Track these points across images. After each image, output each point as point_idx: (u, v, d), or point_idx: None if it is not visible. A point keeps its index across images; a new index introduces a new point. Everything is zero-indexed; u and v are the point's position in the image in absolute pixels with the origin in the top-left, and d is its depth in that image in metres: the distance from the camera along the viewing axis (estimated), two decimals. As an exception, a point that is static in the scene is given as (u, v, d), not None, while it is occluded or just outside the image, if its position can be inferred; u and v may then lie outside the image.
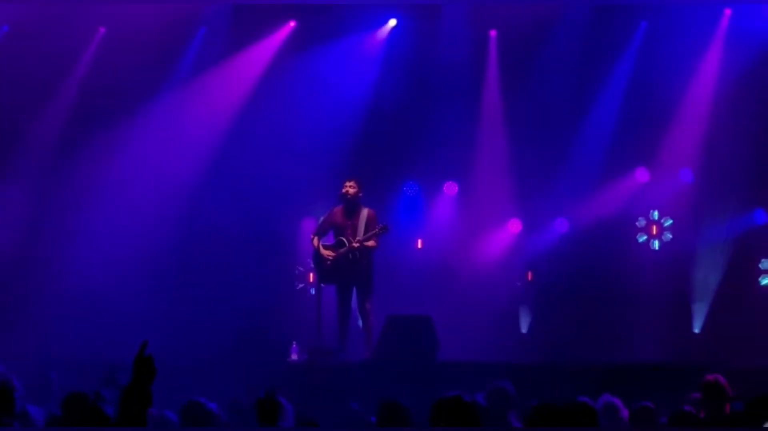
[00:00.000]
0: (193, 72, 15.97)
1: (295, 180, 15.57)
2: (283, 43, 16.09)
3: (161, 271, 15.14)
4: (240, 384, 10.08)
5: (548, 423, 6.36)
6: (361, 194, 13.22)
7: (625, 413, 7.95)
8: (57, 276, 15.09)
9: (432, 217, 16.27)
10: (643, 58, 15.80)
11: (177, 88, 15.80)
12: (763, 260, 15.63)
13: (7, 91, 15.17)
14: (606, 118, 15.90)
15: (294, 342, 13.28)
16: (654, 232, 16.04)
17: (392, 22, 16.10)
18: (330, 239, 13.39)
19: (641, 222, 16.06)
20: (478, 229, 16.08)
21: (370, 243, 13.08)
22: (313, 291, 15.50)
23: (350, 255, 13.10)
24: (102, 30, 15.81)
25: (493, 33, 16.19)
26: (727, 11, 15.56)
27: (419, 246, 16.22)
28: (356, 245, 13.04)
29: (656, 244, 16.01)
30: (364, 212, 13.17)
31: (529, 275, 16.08)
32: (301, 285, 16.11)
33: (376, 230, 13.05)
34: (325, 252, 13.21)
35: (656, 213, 16.04)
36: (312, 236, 13.45)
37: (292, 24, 16.12)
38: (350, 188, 13.16)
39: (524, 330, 15.96)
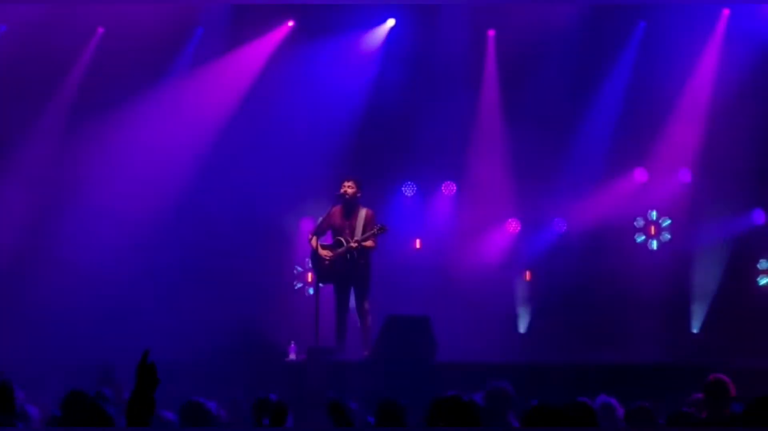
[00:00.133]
0: (191, 71, 15.96)
1: (294, 180, 15.57)
2: (281, 43, 16.09)
3: (159, 271, 15.13)
4: (239, 383, 10.07)
5: (546, 423, 6.36)
6: (359, 194, 13.23)
7: (621, 412, 7.96)
8: (55, 277, 15.06)
9: (430, 217, 16.27)
10: (641, 58, 15.81)
11: (174, 88, 15.79)
12: (761, 260, 15.63)
13: (5, 90, 15.16)
14: (604, 118, 15.90)
15: (292, 342, 13.28)
16: (652, 232, 16.04)
17: (390, 22, 16.09)
18: (328, 239, 13.39)
19: (639, 223, 16.06)
20: (476, 229, 16.07)
21: (369, 243, 13.09)
22: (311, 291, 15.50)
23: (348, 256, 13.10)
24: (100, 30, 15.80)
25: (491, 33, 16.19)
26: (726, 11, 15.56)
27: (417, 246, 16.21)
28: (354, 245, 13.05)
29: (654, 244, 16.01)
30: (363, 212, 13.18)
31: (528, 275, 16.08)
32: (299, 285, 16.11)
33: (375, 230, 13.05)
34: (324, 253, 13.22)
35: (654, 213, 16.04)
36: (310, 236, 13.46)
37: (291, 23, 16.12)
38: (348, 188, 13.16)
39: (522, 330, 15.96)
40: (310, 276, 15.71)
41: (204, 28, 16.06)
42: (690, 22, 15.40)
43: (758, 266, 15.65)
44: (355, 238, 13.06)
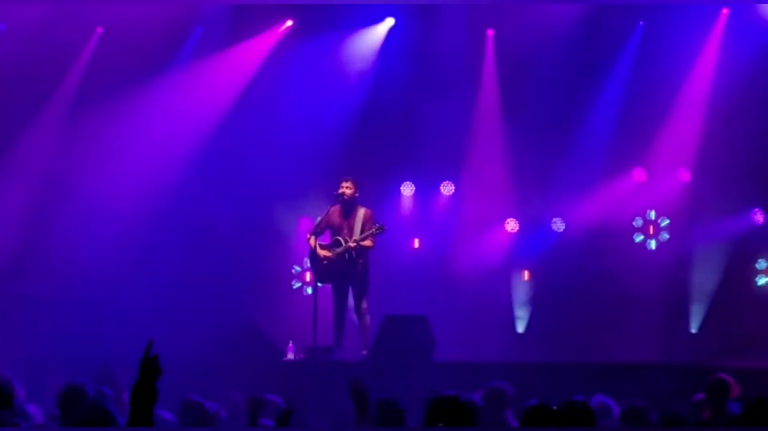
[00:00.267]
0: (189, 70, 15.93)
1: (292, 179, 15.57)
2: (280, 42, 16.08)
3: (157, 270, 15.11)
4: (236, 383, 10.06)
5: (545, 423, 6.36)
6: (357, 194, 13.23)
7: (617, 411, 7.96)
8: (53, 276, 15.07)
9: (428, 217, 16.26)
10: (640, 58, 15.80)
11: (172, 87, 15.75)
12: (760, 260, 15.63)
13: (2, 89, 15.15)
14: (603, 118, 15.89)
15: (290, 342, 13.27)
16: (651, 232, 16.03)
17: (390, 21, 16.08)
18: (327, 239, 13.39)
19: (638, 222, 16.06)
20: (474, 229, 16.06)
21: (367, 243, 13.09)
22: (309, 291, 15.49)
23: (347, 255, 13.10)
24: (99, 30, 15.78)
25: (490, 32, 16.18)
26: (725, 11, 15.56)
27: (416, 246, 16.21)
28: (353, 245, 13.05)
29: (653, 244, 16.01)
30: (361, 212, 13.18)
31: (526, 275, 16.08)
32: (297, 285, 16.10)
33: (373, 230, 13.05)
34: (322, 252, 13.21)
35: (653, 213, 16.04)
36: (309, 236, 13.45)
37: (289, 22, 16.11)
38: (347, 188, 13.16)
39: (521, 330, 15.95)
40: (308, 276, 15.70)
41: (203, 27, 16.04)
42: (689, 22, 15.40)
43: (757, 266, 15.65)
44: (354, 238, 13.06)
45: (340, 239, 13.14)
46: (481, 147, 16.09)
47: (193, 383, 10.24)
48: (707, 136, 15.52)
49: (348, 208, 13.20)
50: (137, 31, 15.16)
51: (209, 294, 15.36)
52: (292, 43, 16.04)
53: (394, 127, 15.96)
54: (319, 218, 13.38)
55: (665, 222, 15.99)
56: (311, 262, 13.61)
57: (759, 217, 15.62)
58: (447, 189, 16.22)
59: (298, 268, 16.06)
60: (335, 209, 13.26)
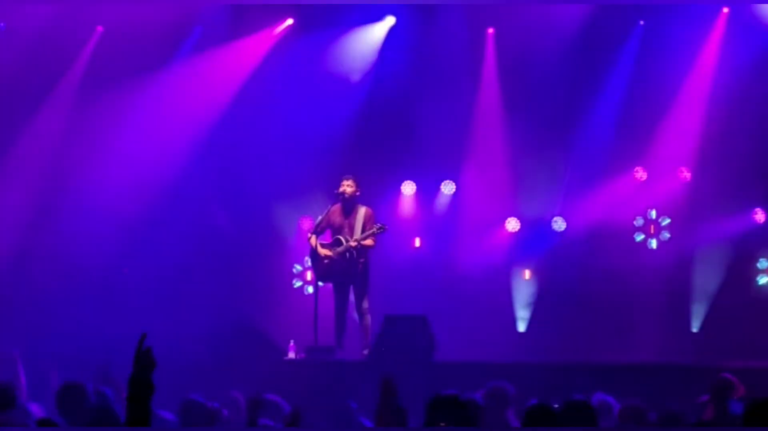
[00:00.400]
0: (189, 69, 15.91)
1: (293, 178, 15.57)
2: (280, 40, 16.07)
3: (158, 269, 15.11)
4: (237, 382, 10.05)
5: (546, 422, 6.35)
6: (358, 193, 13.21)
7: (617, 408, 7.96)
8: (54, 275, 15.07)
9: (429, 216, 16.25)
10: (640, 57, 15.79)
11: (172, 86, 15.73)
12: (761, 259, 15.62)
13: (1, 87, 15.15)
14: (603, 117, 15.88)
15: (291, 341, 13.27)
16: (652, 231, 16.02)
17: (390, 20, 16.07)
18: (327, 238, 13.38)
19: (639, 222, 16.05)
20: (475, 228, 16.06)
21: (368, 242, 13.08)
22: (310, 290, 15.49)
23: (348, 254, 13.08)
24: (100, 29, 15.77)
25: (490, 31, 16.18)
26: (725, 10, 15.55)
27: (417, 245, 16.20)
28: (354, 244, 13.04)
29: (654, 243, 16.00)
30: (362, 211, 13.17)
31: (527, 274, 16.07)
32: (298, 284, 16.09)
33: (374, 229, 13.03)
34: (323, 251, 13.20)
35: (654, 212, 16.03)
36: (309, 235, 13.44)
37: (290, 21, 16.09)
38: (348, 187, 13.14)
39: (522, 329, 15.94)
40: (309, 275, 15.70)
41: (203, 26, 16.03)
42: (689, 22, 15.40)
43: (758, 265, 15.65)
44: (355, 237, 13.05)
45: (341, 238, 13.13)
46: (481, 146, 16.09)
47: (193, 382, 10.24)
48: (708, 135, 15.51)
49: (349, 206, 13.19)
50: (137, 30, 15.14)
51: (210, 293, 15.36)
52: (293, 42, 16.03)
53: (395, 125, 15.95)
54: (319, 217, 13.37)
55: (666, 221, 15.98)
56: (312, 261, 13.60)
57: (760, 217, 15.61)
58: (448, 188, 16.20)
59: (299, 267, 16.05)
60: (336, 208, 13.25)
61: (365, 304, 13.12)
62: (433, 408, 6.45)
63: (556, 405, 6.87)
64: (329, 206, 13.30)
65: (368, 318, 13.11)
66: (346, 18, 15.88)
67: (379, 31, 16.10)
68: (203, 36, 15.99)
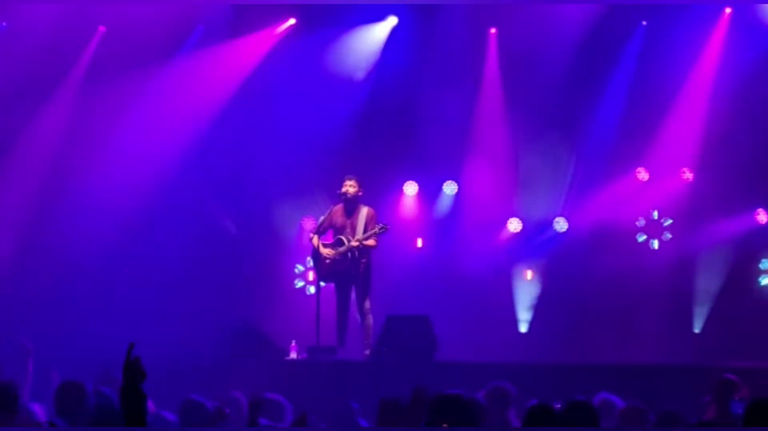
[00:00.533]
0: (191, 68, 15.90)
1: (295, 178, 15.57)
2: (282, 40, 16.07)
3: (160, 270, 15.11)
4: (238, 382, 10.04)
5: (547, 422, 6.35)
6: (360, 193, 13.21)
7: (621, 405, 7.95)
8: (55, 275, 15.07)
9: (432, 216, 16.25)
10: (643, 58, 15.78)
11: (173, 85, 15.72)
12: (763, 260, 15.61)
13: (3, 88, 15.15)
14: (606, 118, 15.88)
15: (293, 341, 13.26)
16: (654, 232, 16.01)
17: (392, 20, 16.07)
18: (329, 238, 13.37)
19: (641, 222, 16.04)
20: (477, 229, 16.05)
21: (370, 242, 13.07)
22: (312, 290, 15.49)
23: (349, 255, 13.08)
24: (102, 29, 15.77)
25: (492, 31, 16.17)
26: (727, 10, 15.54)
27: (419, 245, 16.20)
28: (356, 244, 13.03)
29: (656, 244, 15.99)
30: (364, 211, 13.16)
31: (529, 275, 16.06)
32: (300, 284, 16.09)
33: (376, 229, 13.03)
34: (325, 251, 13.19)
35: (656, 213, 16.02)
36: (311, 235, 13.43)
37: (292, 21, 16.09)
38: (350, 187, 13.14)
39: (523, 329, 15.94)
40: (311, 275, 15.70)
41: (205, 26, 16.02)
42: (692, 22, 15.38)
43: (760, 266, 15.64)
44: (357, 237, 13.04)
45: (343, 238, 13.13)
46: (483, 146, 16.08)
47: (194, 382, 10.24)
48: (710, 136, 15.50)
49: (351, 207, 13.18)
50: (139, 30, 15.14)
51: (211, 293, 15.36)
52: (295, 41, 16.02)
53: (398, 125, 15.95)
54: (322, 217, 13.37)
55: (668, 222, 15.97)
56: (314, 261, 13.59)
57: (762, 217, 15.60)
58: (450, 188, 16.20)
59: (300, 267, 16.05)
60: (338, 208, 13.25)
61: (367, 304, 13.12)
62: (435, 408, 6.45)
63: (558, 406, 6.87)
64: (331, 206, 13.30)
65: (370, 319, 13.10)
66: (348, 18, 15.88)
67: (381, 30, 16.09)
68: (205, 36, 15.99)
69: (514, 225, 16.10)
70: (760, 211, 15.59)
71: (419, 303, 14.03)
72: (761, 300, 15.43)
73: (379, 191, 15.10)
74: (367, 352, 12.87)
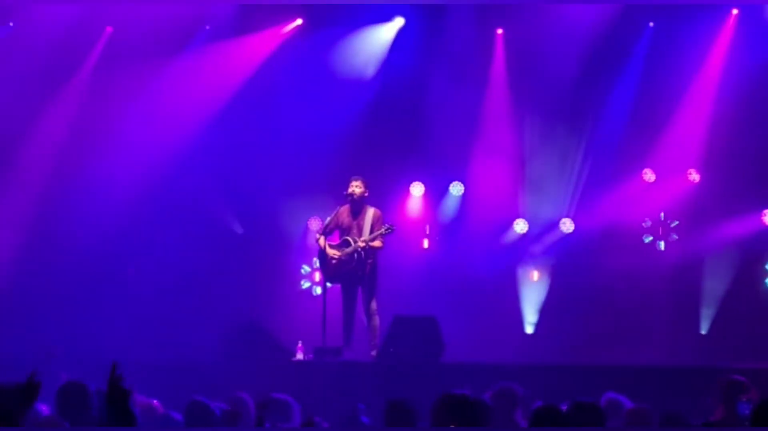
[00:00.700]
0: (197, 67, 15.90)
1: (301, 179, 15.58)
2: (289, 41, 16.07)
3: (167, 271, 15.13)
4: (245, 383, 10.04)
5: (554, 423, 6.34)
6: (367, 194, 13.20)
7: (628, 405, 7.94)
8: (60, 273, 15.09)
9: (438, 217, 16.24)
10: (650, 59, 15.77)
11: (180, 84, 15.74)
12: (770, 261, 15.63)
13: (9, 87, 15.16)
14: (612, 118, 15.88)
15: (299, 342, 13.26)
16: (660, 233, 16.00)
17: (399, 21, 16.07)
18: (336, 239, 13.37)
19: (647, 223, 16.03)
20: (483, 229, 16.05)
21: (376, 243, 13.06)
22: (318, 291, 15.49)
23: (356, 255, 13.07)
24: (109, 29, 15.78)
25: (499, 31, 16.17)
26: (734, 11, 15.53)
27: (425, 246, 16.19)
28: (362, 245, 13.02)
29: (662, 245, 15.98)
30: (370, 212, 13.16)
31: (535, 276, 16.05)
32: (306, 285, 16.10)
33: (382, 230, 13.03)
34: (331, 252, 13.19)
35: (663, 214, 16.01)
36: (318, 236, 13.43)
37: (299, 21, 16.09)
38: (356, 188, 13.14)
39: (530, 330, 15.93)
40: (317, 276, 15.70)
41: (211, 26, 16.03)
42: (699, 23, 15.39)
43: (766, 267, 15.62)
44: (363, 238, 13.04)
45: (349, 239, 13.12)
46: (490, 147, 16.07)
47: (200, 383, 10.24)
48: (717, 137, 15.50)
49: (357, 207, 13.18)
50: (146, 29, 15.16)
51: (217, 294, 15.38)
52: (302, 42, 16.03)
53: (404, 126, 15.95)
54: (328, 218, 13.35)
55: (675, 223, 15.97)
56: (320, 262, 13.58)
57: (768, 219, 15.60)
58: (456, 189, 16.19)
59: (307, 268, 16.06)
60: (344, 209, 13.24)
61: (373, 305, 13.12)
62: (441, 407, 6.44)
63: (564, 407, 6.86)
64: (338, 207, 13.29)
65: (377, 319, 13.09)
66: (355, 18, 15.88)
67: (388, 31, 16.10)
68: (211, 36, 15.99)
69: (521, 226, 16.10)
70: (767, 212, 15.57)
71: (425, 304, 14.05)
72: (768, 302, 15.44)
73: (386, 192, 15.10)
74: (373, 353, 12.86)
